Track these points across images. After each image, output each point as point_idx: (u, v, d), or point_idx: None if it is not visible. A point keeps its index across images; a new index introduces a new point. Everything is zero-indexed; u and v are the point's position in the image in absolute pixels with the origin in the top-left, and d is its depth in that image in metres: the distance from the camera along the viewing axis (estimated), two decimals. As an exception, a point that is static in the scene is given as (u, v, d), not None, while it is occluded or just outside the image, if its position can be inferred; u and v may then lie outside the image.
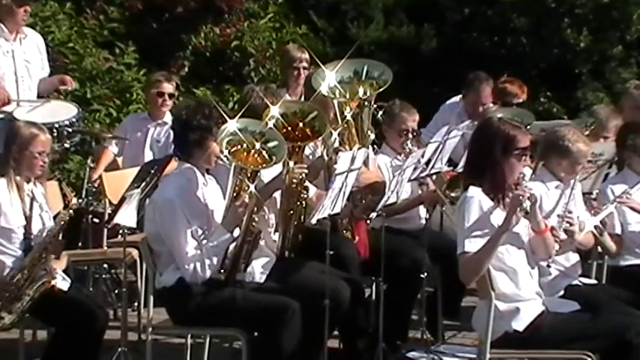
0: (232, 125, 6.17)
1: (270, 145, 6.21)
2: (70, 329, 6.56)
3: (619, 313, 5.78)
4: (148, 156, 9.07)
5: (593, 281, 6.96)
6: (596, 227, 6.55)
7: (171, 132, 6.77)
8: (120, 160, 9.44)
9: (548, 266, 6.11)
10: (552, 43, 14.58)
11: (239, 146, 6.15)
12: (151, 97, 9.70)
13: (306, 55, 9.11)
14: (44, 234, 6.72)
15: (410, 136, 7.80)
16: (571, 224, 6.20)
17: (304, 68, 8.98)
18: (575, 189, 6.56)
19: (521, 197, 5.56)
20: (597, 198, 7.07)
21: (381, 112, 7.91)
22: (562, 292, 6.24)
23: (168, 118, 9.23)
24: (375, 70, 7.42)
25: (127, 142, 9.44)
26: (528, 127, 7.94)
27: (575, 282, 6.40)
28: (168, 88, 9.49)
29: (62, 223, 6.68)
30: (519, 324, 5.65)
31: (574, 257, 6.41)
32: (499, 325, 5.63)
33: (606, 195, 6.98)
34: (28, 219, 6.72)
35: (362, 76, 7.32)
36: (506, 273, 5.72)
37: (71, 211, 6.77)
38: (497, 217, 5.65)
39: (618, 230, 6.91)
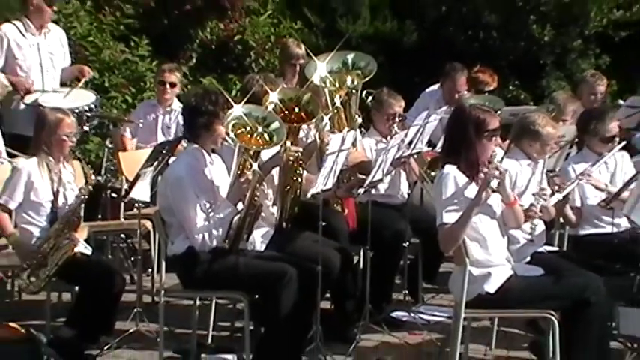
0: (238, 110, 6.19)
1: (271, 128, 6.22)
2: (92, 289, 6.64)
3: (578, 275, 5.81)
4: (160, 138, 9.06)
5: (556, 248, 7.00)
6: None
7: (180, 118, 6.81)
8: (134, 141, 9.44)
9: (531, 240, 6.23)
10: (519, 37, 14.59)
11: (243, 129, 6.17)
12: (156, 85, 9.76)
13: (303, 51, 9.11)
14: (67, 207, 6.79)
15: (397, 119, 7.81)
16: (545, 200, 6.28)
17: (299, 62, 8.98)
18: (542, 167, 6.62)
19: (489, 176, 5.62)
20: (559, 174, 7.11)
21: (370, 98, 7.94)
22: (528, 259, 6.25)
23: (176, 105, 9.27)
24: (362, 61, 7.44)
25: (140, 125, 9.46)
26: (499, 111, 7.96)
27: (540, 249, 6.43)
28: (170, 77, 9.45)
29: (82, 197, 6.75)
30: (491, 286, 5.69)
31: (539, 227, 6.44)
32: (473, 287, 5.67)
33: (567, 172, 6.99)
34: (56, 195, 6.80)
35: (350, 66, 7.34)
36: (479, 241, 5.75)
37: (90, 187, 6.84)
38: (472, 191, 5.67)
39: (578, 204, 6.94)
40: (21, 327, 6.88)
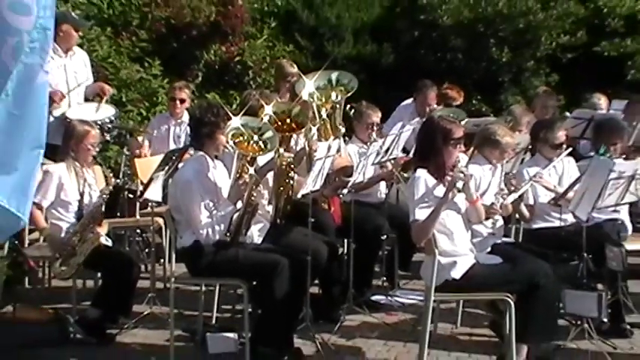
0: (236, 121, 6.21)
1: (266, 136, 6.23)
2: (113, 276, 6.72)
3: (530, 263, 5.83)
4: (172, 146, 9.07)
5: (512, 240, 7.03)
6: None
7: (189, 129, 6.83)
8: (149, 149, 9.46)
9: (492, 234, 6.25)
10: (481, 59, 14.65)
11: (241, 137, 6.17)
12: (169, 101, 9.81)
13: (296, 70, 9.12)
14: (91, 206, 6.82)
15: (375, 128, 7.83)
16: (505, 199, 6.31)
17: (291, 80, 8.99)
18: (500, 171, 6.65)
19: (455, 178, 5.65)
20: (516, 176, 7.12)
21: (352, 111, 7.95)
22: (489, 249, 6.27)
23: (185, 117, 9.25)
24: (345, 78, 7.44)
25: (154, 135, 9.48)
26: (463, 122, 8.01)
27: (499, 241, 6.44)
28: (181, 94, 9.49)
29: (104, 197, 6.81)
30: (456, 273, 5.70)
31: (498, 222, 6.48)
32: (441, 274, 5.68)
33: (522, 175, 7.01)
34: (82, 195, 6.89)
35: (334, 83, 7.34)
36: (446, 234, 5.76)
37: (111, 187, 6.89)
38: (440, 191, 5.68)
39: (531, 201, 6.97)
40: (51, 309, 6.93)
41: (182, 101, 9.46)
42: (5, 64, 3.87)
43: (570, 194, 6.72)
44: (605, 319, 6.54)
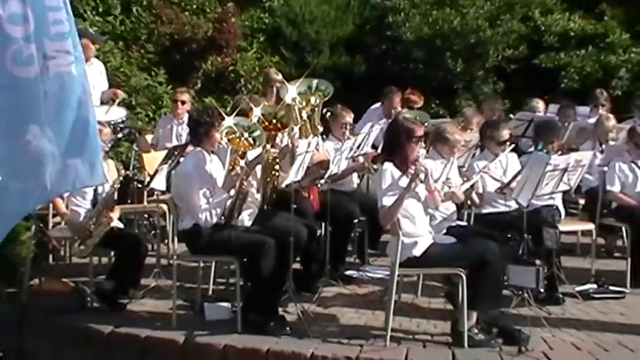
0: (229, 121, 6.20)
1: (254, 134, 6.21)
2: (124, 254, 6.68)
3: (480, 243, 5.79)
4: (175, 143, 9.04)
5: (465, 223, 7.02)
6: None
7: (188, 128, 6.82)
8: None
9: (447, 218, 6.25)
10: (439, 69, 14.65)
11: (233, 135, 6.16)
12: (171, 103, 9.79)
13: (280, 78, 9.09)
14: (105, 194, 6.76)
15: (348, 128, 7.80)
16: (450, 187, 6.29)
17: (277, 86, 8.96)
18: (454, 164, 6.63)
19: (418, 172, 5.63)
20: (468, 169, 7.13)
21: (329, 114, 7.92)
22: (445, 231, 6.24)
23: (186, 118, 9.12)
24: (322, 85, 7.37)
25: (159, 133, 9.48)
26: (426, 123, 8.01)
27: (453, 224, 6.42)
28: (182, 97, 9.50)
29: (116, 186, 6.74)
30: (417, 251, 5.69)
31: (452, 207, 6.46)
32: (404, 252, 5.67)
33: (473, 167, 7.01)
34: None
35: (313, 89, 7.29)
36: (409, 218, 5.75)
37: (121, 178, 6.84)
38: (404, 182, 5.68)
39: (481, 190, 6.95)
40: (71, 282, 6.89)
41: (183, 102, 9.44)
42: (9, 72, 3.89)
43: (513, 184, 6.72)
44: (542, 290, 6.53)
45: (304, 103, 7.19)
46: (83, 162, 4.44)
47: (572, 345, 5.68)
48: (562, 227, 7.05)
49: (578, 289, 6.98)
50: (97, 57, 9.53)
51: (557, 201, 7.25)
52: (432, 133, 6.86)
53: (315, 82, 7.40)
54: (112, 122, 8.46)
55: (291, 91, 7.12)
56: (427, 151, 6.67)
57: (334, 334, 5.87)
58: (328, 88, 7.37)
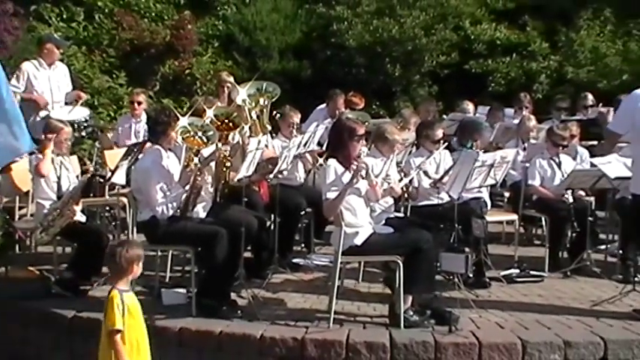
0: (184, 121, 6.14)
1: (208, 133, 6.16)
2: (86, 244, 6.55)
3: (415, 232, 5.80)
4: (133, 140, 8.96)
5: (402, 215, 7.06)
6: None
7: (146, 126, 6.76)
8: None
9: (386, 210, 6.23)
10: (379, 73, 14.77)
11: (188, 134, 6.09)
12: (129, 104, 9.74)
13: (231, 79, 9.02)
14: (70, 187, 6.64)
15: (295, 127, 7.78)
16: (389, 183, 6.31)
17: (228, 87, 8.89)
18: (394, 161, 6.64)
19: (360, 168, 5.63)
20: (405, 165, 7.15)
21: (278, 115, 7.88)
22: (384, 222, 6.25)
23: (144, 117, 9.17)
24: (270, 87, 7.32)
25: (119, 131, 9.42)
26: (366, 123, 8.03)
27: (392, 215, 6.43)
28: (137, 98, 9.48)
29: (85, 181, 6.65)
30: (358, 240, 5.70)
31: (390, 200, 6.47)
32: (346, 241, 5.66)
33: (410, 164, 7.05)
34: (59, 178, 6.66)
35: (263, 91, 7.25)
36: (350, 210, 5.74)
37: (89, 175, 6.75)
38: (346, 177, 5.67)
39: (417, 185, 6.98)
40: (37, 270, 6.76)
41: (139, 103, 9.41)
42: None
43: (445, 179, 6.77)
44: (470, 275, 6.59)
45: (254, 104, 7.14)
46: (7, 134, 4.37)
47: (496, 324, 5.74)
48: (489, 218, 7.13)
49: (502, 273, 7.05)
50: (61, 60, 9.37)
51: (485, 194, 7.33)
52: (373, 133, 6.86)
53: (263, 84, 7.35)
54: (76, 121, 8.32)
55: (242, 93, 7.07)
56: (369, 149, 6.69)
57: (282, 317, 5.85)
58: (276, 90, 7.34)
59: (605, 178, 6.94)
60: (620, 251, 7.44)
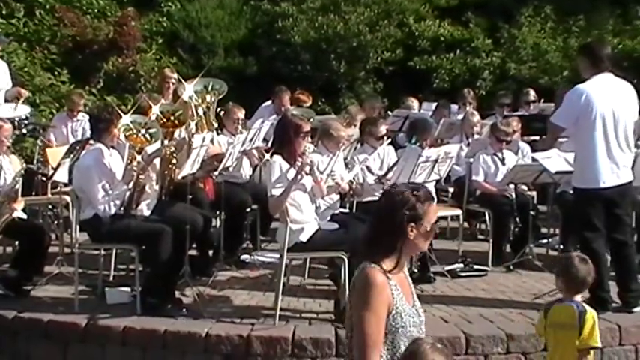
0: (126, 119, 6.08)
1: (151, 131, 6.11)
2: (28, 243, 6.43)
3: (361, 228, 5.74)
4: (71, 139, 8.84)
5: (347, 211, 7.08)
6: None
7: (85, 125, 6.67)
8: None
9: (330, 207, 6.24)
10: (325, 70, 14.82)
11: (131, 132, 6.04)
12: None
13: (175, 75, 8.93)
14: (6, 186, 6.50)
15: (240, 123, 7.74)
16: (334, 179, 6.32)
17: (172, 83, 8.79)
18: (340, 157, 6.66)
19: (304, 165, 5.63)
20: (350, 162, 7.18)
21: (222, 112, 7.84)
22: (329, 218, 6.28)
23: (81, 116, 9.20)
24: (217, 84, 7.27)
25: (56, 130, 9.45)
26: (311, 119, 8.02)
27: (337, 212, 6.47)
28: (76, 99, 9.54)
29: (18, 179, 6.47)
30: (304, 237, 5.71)
31: (336, 197, 6.50)
32: (292, 238, 5.67)
33: (354, 160, 7.07)
34: None
35: (209, 88, 7.21)
36: (296, 207, 5.75)
37: (22, 172, 6.60)
38: (291, 174, 5.68)
39: (361, 180, 7.00)
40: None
41: (77, 105, 9.48)
42: None
43: (390, 175, 6.81)
44: (415, 270, 6.68)
45: (200, 101, 7.09)
46: None
47: (440, 319, 5.81)
48: (433, 213, 7.18)
49: (447, 268, 7.13)
50: (1, 57, 9.17)
51: (430, 189, 7.37)
52: (319, 130, 6.88)
53: (210, 81, 7.30)
54: (17, 119, 8.15)
55: (188, 89, 7.01)
56: (315, 146, 6.71)
57: (228, 314, 5.82)
58: (222, 87, 7.30)
59: (546, 173, 7.04)
60: (561, 245, 7.58)
